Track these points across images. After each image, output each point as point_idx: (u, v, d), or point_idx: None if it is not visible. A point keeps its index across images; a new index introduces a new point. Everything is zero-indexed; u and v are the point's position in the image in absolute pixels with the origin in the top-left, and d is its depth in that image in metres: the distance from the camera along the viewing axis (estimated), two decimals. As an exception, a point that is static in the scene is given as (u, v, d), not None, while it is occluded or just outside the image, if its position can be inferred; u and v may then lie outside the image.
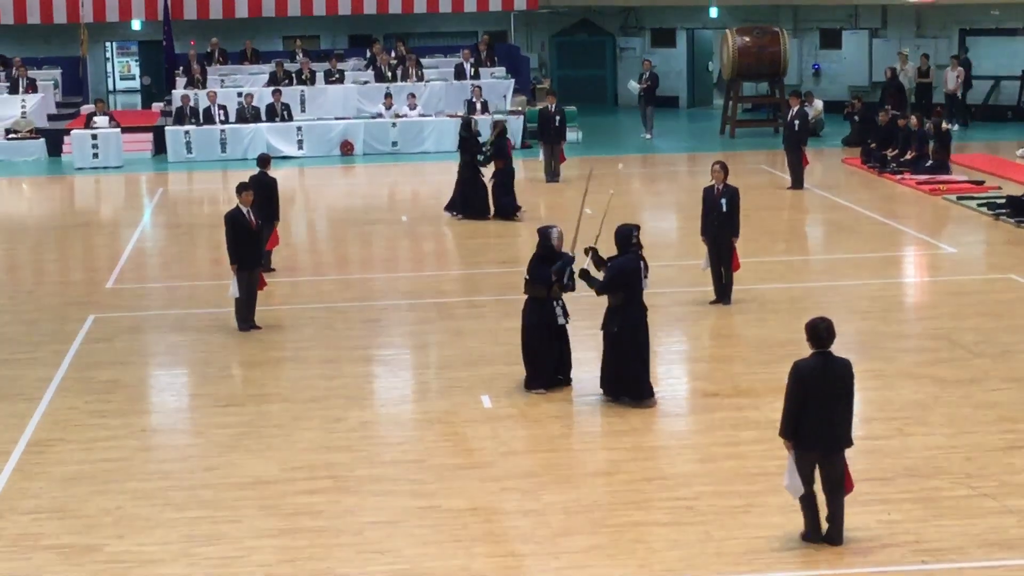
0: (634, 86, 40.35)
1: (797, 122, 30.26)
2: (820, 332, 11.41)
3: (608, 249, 15.45)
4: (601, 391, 15.51)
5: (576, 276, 15.60)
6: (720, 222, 19.31)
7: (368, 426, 14.98)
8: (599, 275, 15.35)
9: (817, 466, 11.46)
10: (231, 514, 12.49)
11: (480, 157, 27.32)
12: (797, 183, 29.99)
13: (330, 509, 12.56)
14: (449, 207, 27.55)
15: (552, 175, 31.67)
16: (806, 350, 11.44)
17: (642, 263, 15.20)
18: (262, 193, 22.32)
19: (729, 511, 12.21)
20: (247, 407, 15.68)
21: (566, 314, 15.84)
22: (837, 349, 11.45)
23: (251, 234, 19.05)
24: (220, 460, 13.94)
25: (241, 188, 19.36)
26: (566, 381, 15.96)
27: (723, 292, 19.53)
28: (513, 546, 11.72)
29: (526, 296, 15.96)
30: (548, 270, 15.65)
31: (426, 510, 12.48)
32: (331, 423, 15.02)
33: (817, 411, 11.28)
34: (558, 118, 31.82)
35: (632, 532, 11.85)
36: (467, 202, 27.31)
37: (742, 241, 19.68)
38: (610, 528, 11.95)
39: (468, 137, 27.69)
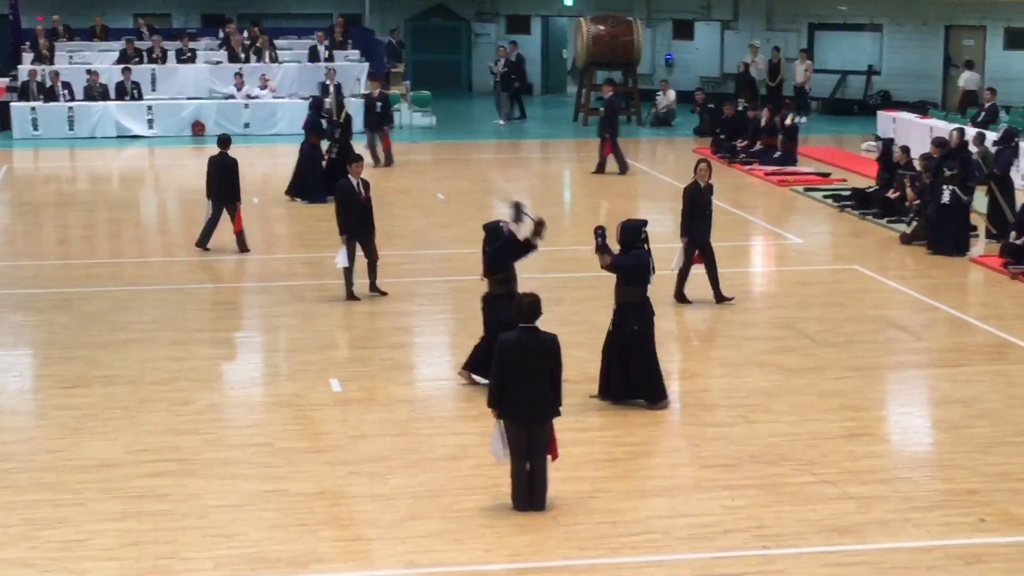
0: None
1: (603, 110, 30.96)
2: (523, 308, 12.00)
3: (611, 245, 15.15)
4: (598, 398, 14.95)
5: (594, 250, 14.89)
6: (707, 221, 19.14)
7: (216, 409, 14.85)
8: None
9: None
10: (74, 497, 12.31)
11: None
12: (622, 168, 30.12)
13: (175, 492, 12.43)
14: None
15: (384, 159, 31.60)
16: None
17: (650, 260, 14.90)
18: (222, 174, 22.07)
19: (576, 496, 12.31)
20: (92, 389, 15.46)
21: None
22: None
23: (361, 205, 19.05)
24: (63, 442, 13.73)
25: (353, 159, 19.69)
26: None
27: (679, 292, 19.25)
28: (360, 530, 11.70)
29: (487, 293, 15.28)
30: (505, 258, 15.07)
31: (273, 494, 12.41)
32: (178, 406, 14.86)
33: (519, 383, 11.83)
34: (380, 104, 31.79)
35: (479, 517, 11.89)
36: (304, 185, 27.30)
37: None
38: (457, 513, 11.98)
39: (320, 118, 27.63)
